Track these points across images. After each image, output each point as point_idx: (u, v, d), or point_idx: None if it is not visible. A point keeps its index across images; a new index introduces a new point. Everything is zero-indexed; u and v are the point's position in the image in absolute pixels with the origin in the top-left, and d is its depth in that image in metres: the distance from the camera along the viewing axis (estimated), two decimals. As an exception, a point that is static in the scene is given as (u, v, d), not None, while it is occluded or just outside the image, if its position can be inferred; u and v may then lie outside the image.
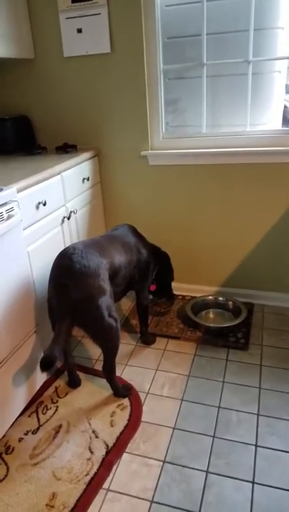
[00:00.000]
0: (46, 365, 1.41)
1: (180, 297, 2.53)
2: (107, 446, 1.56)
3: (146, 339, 2.16)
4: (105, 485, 1.43)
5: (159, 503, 1.37)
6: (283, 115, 2.21)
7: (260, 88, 2.13)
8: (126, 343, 2.15)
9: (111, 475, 1.47)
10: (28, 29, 2.23)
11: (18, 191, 1.64)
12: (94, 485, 1.41)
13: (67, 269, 1.54)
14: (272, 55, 2.06)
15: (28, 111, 2.41)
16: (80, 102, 2.32)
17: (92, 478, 1.43)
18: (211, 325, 2.22)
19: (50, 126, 2.42)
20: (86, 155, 2.26)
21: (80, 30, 2.14)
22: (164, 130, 2.32)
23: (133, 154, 2.34)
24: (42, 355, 1.45)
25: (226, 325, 2.17)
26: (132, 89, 2.21)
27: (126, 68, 2.17)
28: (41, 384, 1.83)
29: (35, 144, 2.43)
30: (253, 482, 1.42)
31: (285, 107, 2.22)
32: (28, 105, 2.40)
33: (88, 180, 2.29)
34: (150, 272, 2.01)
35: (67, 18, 2.14)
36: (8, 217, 1.51)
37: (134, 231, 1.99)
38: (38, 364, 1.76)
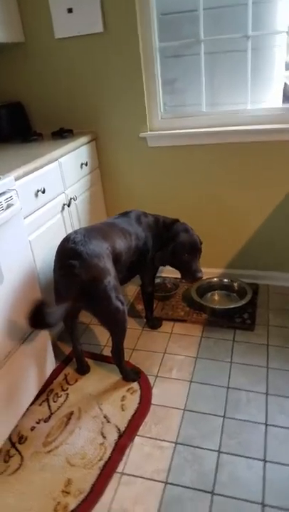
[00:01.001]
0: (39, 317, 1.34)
1: (183, 281, 2.51)
2: (119, 430, 1.57)
3: (153, 324, 2.16)
4: (119, 469, 1.45)
5: (173, 484, 1.39)
6: (284, 92, 2.15)
7: (260, 65, 2.07)
8: (132, 328, 2.15)
9: (124, 459, 1.48)
10: (16, 11, 2.15)
11: (16, 179, 1.61)
12: (108, 469, 1.43)
13: (72, 251, 1.55)
14: (272, 29, 1.99)
15: (21, 97, 2.35)
16: (74, 85, 2.26)
17: (106, 463, 1.45)
18: (217, 307, 2.21)
19: (45, 112, 2.37)
20: (83, 139, 2.21)
21: (70, 10, 2.07)
22: (162, 110, 2.26)
23: (131, 136, 2.29)
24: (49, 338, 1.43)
25: (231, 306, 2.16)
26: (127, 69, 2.14)
27: (120, 47, 2.10)
28: (51, 372, 1.84)
29: (30, 131, 2.38)
30: (264, 460, 1.44)
31: (286, 84, 2.16)
32: (21, 91, 2.34)
33: (86, 165, 2.25)
34: (149, 259, 1.98)
35: (56, -3, 2.07)
36: (8, 207, 1.48)
37: (137, 216, 1.94)
38: (47, 352, 1.77)
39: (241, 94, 2.14)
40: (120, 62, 2.14)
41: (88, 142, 2.28)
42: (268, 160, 2.14)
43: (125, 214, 1.96)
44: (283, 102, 2.14)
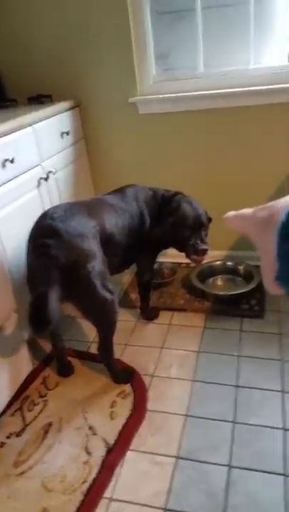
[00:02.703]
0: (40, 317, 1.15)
1: (183, 265, 2.23)
2: (108, 444, 1.30)
3: (149, 315, 1.89)
4: (108, 493, 1.18)
5: (175, 511, 1.11)
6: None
7: (263, 18, 1.78)
8: (125, 321, 1.87)
9: (114, 480, 1.21)
10: None
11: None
12: (93, 494, 1.16)
13: (48, 229, 1.31)
14: None
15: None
16: (51, 43, 1.97)
17: (90, 486, 1.18)
18: (221, 293, 1.94)
19: (20, 76, 2.07)
20: (63, 105, 1.94)
21: None
22: (154, 72, 1.98)
23: (120, 102, 2.01)
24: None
25: (237, 292, 1.88)
26: (113, 23, 1.86)
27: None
28: (26, 375, 1.56)
29: (4, 97, 2.08)
30: (284, 475, 1.17)
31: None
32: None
33: (68, 134, 1.97)
34: (148, 241, 1.70)
35: None
36: None
37: (132, 191, 1.69)
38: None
39: (242, 54, 1.85)
40: (103, 14, 1.85)
41: (70, 109, 1.99)
42: (276, 124, 1.86)
43: (119, 190, 1.72)
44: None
